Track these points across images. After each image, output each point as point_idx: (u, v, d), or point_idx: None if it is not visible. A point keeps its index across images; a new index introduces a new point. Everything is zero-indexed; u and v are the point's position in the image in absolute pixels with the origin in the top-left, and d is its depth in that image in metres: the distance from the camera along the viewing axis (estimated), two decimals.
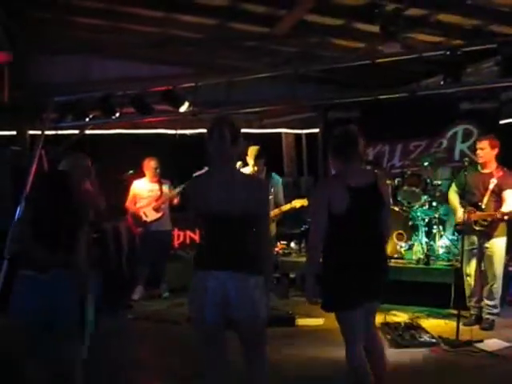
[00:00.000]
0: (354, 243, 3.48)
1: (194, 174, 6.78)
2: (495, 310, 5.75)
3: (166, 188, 7.44)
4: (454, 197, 5.98)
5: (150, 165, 7.38)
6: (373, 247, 3.55)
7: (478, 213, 5.61)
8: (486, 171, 5.71)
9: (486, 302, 5.75)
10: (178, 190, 7.26)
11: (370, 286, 3.53)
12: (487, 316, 5.74)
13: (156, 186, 7.39)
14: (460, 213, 5.72)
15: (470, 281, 5.83)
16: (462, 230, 5.68)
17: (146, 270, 7.46)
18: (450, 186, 6.26)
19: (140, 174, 7.50)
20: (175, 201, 7.38)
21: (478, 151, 5.71)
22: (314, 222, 3.64)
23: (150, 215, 7.34)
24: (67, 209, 3.61)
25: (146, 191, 7.41)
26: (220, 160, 3.17)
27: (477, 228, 5.65)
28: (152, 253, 7.37)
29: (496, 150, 5.68)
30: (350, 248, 3.48)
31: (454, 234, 6.90)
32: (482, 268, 5.80)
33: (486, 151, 5.66)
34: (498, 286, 5.73)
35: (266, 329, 3.27)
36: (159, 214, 7.34)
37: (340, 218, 3.43)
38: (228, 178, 3.16)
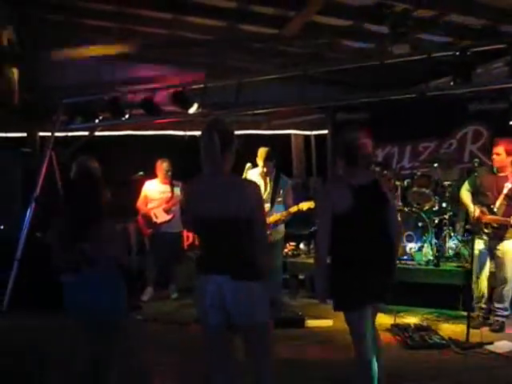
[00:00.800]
0: (359, 242, 3.49)
1: None
2: (505, 313, 5.71)
3: (177, 190, 7.45)
4: (466, 195, 5.89)
5: (162, 167, 7.40)
6: (378, 246, 3.54)
7: (491, 216, 5.56)
8: (501, 174, 5.64)
9: (496, 304, 5.71)
10: None
11: (376, 286, 3.53)
12: (497, 318, 5.70)
13: (167, 188, 7.41)
14: (473, 208, 5.65)
15: (479, 283, 5.77)
16: (473, 230, 5.63)
17: (155, 271, 7.48)
18: (461, 185, 6.22)
19: (151, 175, 7.52)
20: None
21: (494, 156, 5.63)
22: (319, 224, 3.66)
23: (161, 217, 7.36)
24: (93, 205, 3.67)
25: (157, 192, 7.43)
26: (211, 165, 3.15)
27: (487, 230, 5.62)
28: (161, 254, 7.38)
29: None
30: (354, 247, 3.50)
31: (464, 235, 6.86)
32: (493, 270, 5.77)
33: (502, 157, 5.58)
34: (508, 289, 5.68)
35: (268, 331, 3.26)
36: (169, 216, 7.35)
37: (344, 217, 3.45)
38: (220, 183, 3.15)
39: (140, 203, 7.41)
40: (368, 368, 3.50)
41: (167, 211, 7.35)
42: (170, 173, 7.40)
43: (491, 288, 5.80)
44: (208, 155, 3.15)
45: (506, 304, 5.71)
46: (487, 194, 5.66)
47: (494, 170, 5.70)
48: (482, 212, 5.58)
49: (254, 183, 3.36)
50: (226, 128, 3.21)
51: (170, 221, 7.36)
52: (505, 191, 5.57)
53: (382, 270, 3.56)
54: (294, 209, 6.18)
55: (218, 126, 3.19)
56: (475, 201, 5.73)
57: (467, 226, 5.98)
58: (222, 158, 3.14)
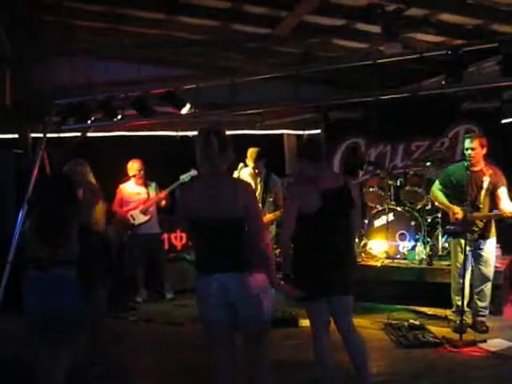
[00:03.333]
0: (318, 240, 3.76)
1: (181, 177, 6.81)
2: (486, 311, 5.72)
3: (152, 190, 7.41)
4: (442, 195, 5.79)
5: (134, 167, 7.32)
6: (337, 246, 3.82)
7: (481, 213, 5.54)
8: (475, 169, 5.56)
9: (479, 303, 5.68)
10: (167, 190, 7.21)
11: (333, 281, 3.78)
12: (481, 319, 5.67)
13: (143, 189, 7.35)
14: (457, 209, 5.57)
15: (465, 284, 5.58)
16: (462, 230, 5.47)
17: (142, 272, 7.45)
18: (431, 184, 6.19)
19: (127, 177, 7.45)
20: (163, 203, 7.34)
21: (469, 151, 5.54)
22: (285, 222, 3.94)
23: (138, 218, 7.28)
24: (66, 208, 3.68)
25: (133, 194, 7.33)
26: (209, 166, 3.23)
27: (476, 228, 5.58)
28: (142, 256, 7.35)
29: (485, 150, 5.56)
30: (314, 245, 3.76)
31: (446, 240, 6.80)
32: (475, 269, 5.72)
33: (477, 151, 5.52)
34: (489, 287, 5.69)
35: (268, 328, 3.31)
36: (147, 217, 7.28)
37: (309, 217, 3.74)
38: (216, 185, 3.21)
39: (116, 206, 7.29)
40: (322, 367, 3.81)
41: (144, 212, 7.29)
42: (142, 172, 7.33)
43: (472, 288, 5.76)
44: (206, 157, 3.21)
45: (487, 303, 5.71)
46: (466, 191, 5.49)
47: (465, 165, 5.61)
48: (470, 211, 5.47)
49: (247, 182, 3.46)
50: (223, 132, 3.30)
51: (147, 222, 7.31)
52: (485, 185, 5.52)
53: (341, 264, 3.82)
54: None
55: (215, 130, 3.27)
56: (452, 199, 5.68)
57: (450, 228, 5.78)
58: (220, 159, 3.22)
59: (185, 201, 3.32)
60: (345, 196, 3.86)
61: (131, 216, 7.29)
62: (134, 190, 7.38)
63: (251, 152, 6.27)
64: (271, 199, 6.30)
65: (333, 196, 3.77)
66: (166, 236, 8.16)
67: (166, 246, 8.20)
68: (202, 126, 3.34)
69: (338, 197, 3.81)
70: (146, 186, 7.37)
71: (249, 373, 3.35)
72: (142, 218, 7.29)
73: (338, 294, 3.83)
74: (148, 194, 7.32)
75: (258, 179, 6.26)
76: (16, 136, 8.22)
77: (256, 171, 6.23)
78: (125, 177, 7.40)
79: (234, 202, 3.16)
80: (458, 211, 5.55)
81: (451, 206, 5.66)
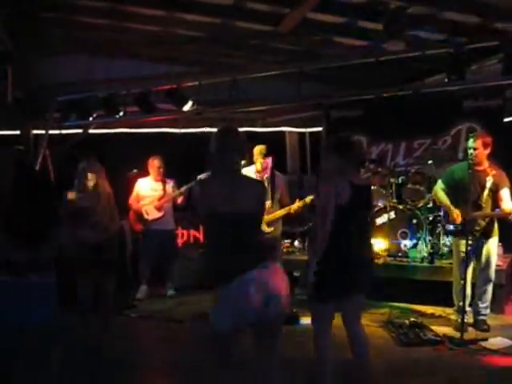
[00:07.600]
0: (341, 239, 3.67)
1: (198, 177, 6.82)
2: (488, 311, 5.70)
3: (169, 187, 7.45)
4: (444, 196, 5.79)
5: (153, 163, 7.40)
6: (359, 245, 3.75)
7: (483, 212, 5.53)
8: (479, 168, 5.53)
9: (480, 304, 5.66)
10: (181, 189, 7.26)
11: (356, 280, 3.74)
12: (483, 317, 5.66)
13: (160, 186, 7.40)
14: (456, 213, 5.55)
15: (466, 284, 5.54)
16: (464, 230, 5.44)
17: (149, 268, 7.46)
18: (433, 182, 6.16)
19: (144, 173, 7.52)
20: (179, 200, 7.39)
21: (472, 150, 5.50)
22: (323, 215, 3.70)
23: (152, 214, 7.35)
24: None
25: (149, 190, 7.43)
26: (227, 170, 3.24)
27: (478, 228, 5.55)
28: (153, 252, 7.37)
29: (489, 149, 5.52)
30: (337, 243, 3.66)
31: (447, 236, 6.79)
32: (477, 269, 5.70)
33: (480, 151, 5.48)
34: (491, 288, 5.69)
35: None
36: (161, 213, 7.34)
37: (341, 210, 3.65)
38: (235, 180, 3.25)
39: (132, 200, 7.41)
40: (322, 362, 3.79)
41: (158, 209, 7.34)
42: (161, 169, 7.40)
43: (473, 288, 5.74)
44: (224, 162, 3.23)
45: (489, 302, 5.69)
46: (469, 190, 5.44)
47: (468, 164, 5.54)
48: (471, 210, 5.43)
49: (262, 182, 3.54)
50: (240, 134, 3.33)
51: (161, 218, 7.35)
52: (488, 185, 5.49)
53: (363, 264, 3.78)
54: (300, 203, 6.06)
55: (234, 132, 3.31)
56: (454, 198, 5.67)
57: (450, 227, 5.76)
58: (237, 163, 3.27)
59: (205, 196, 3.25)
60: (367, 195, 3.89)
61: (145, 211, 7.34)
62: (150, 186, 7.46)
63: (260, 149, 6.24)
64: (278, 196, 6.28)
65: (359, 192, 3.74)
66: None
67: None
68: (219, 126, 3.38)
69: (363, 194, 3.81)
70: (165, 183, 7.42)
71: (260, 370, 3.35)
72: (155, 214, 7.35)
73: (354, 292, 3.78)
74: (164, 190, 7.37)
75: (265, 176, 6.23)
76: (18, 132, 8.24)
77: (264, 167, 6.19)
78: (144, 172, 7.51)
79: (251, 200, 3.20)
80: (456, 216, 5.56)
81: (452, 208, 5.65)
